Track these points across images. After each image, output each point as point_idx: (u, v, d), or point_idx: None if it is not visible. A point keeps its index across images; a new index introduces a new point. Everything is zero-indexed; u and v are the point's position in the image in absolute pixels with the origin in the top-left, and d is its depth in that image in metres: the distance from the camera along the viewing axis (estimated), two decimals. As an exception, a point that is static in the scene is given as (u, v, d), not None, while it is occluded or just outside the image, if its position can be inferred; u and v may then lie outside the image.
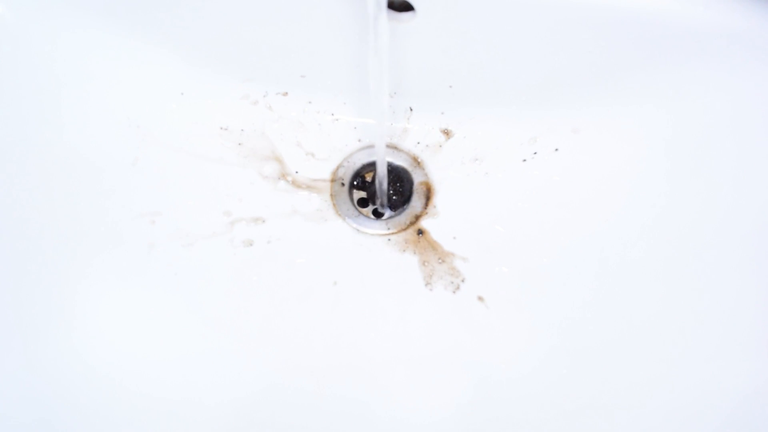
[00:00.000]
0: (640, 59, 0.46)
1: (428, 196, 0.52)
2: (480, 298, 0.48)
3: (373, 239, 0.51)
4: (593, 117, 0.50)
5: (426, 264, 0.50)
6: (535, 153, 0.51)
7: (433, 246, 0.50)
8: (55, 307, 0.45)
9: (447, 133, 0.53)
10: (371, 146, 0.53)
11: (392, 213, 0.52)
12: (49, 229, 0.47)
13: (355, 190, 0.53)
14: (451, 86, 0.51)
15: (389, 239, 0.51)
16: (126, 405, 0.43)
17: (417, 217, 0.51)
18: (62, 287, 0.46)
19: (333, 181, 0.52)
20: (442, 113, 0.53)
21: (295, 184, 0.52)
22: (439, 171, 0.52)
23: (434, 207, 0.51)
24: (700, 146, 0.47)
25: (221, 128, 0.53)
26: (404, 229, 0.51)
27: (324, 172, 0.53)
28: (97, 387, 0.43)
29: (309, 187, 0.52)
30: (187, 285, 0.49)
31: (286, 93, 0.54)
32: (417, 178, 0.52)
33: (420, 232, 0.50)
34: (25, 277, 0.45)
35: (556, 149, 0.51)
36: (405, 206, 0.52)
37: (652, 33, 0.44)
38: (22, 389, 0.41)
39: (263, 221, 0.51)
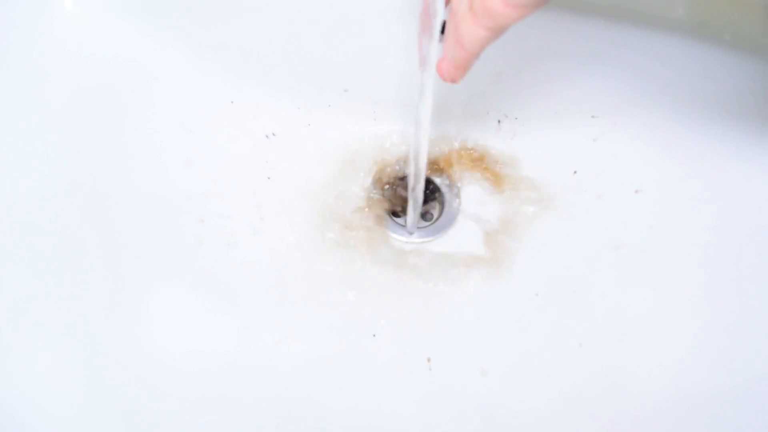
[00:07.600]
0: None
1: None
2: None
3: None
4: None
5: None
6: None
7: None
8: (122, 294, 0.49)
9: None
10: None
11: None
12: (111, 218, 0.51)
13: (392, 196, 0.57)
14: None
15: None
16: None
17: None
18: (124, 275, 0.50)
19: (372, 186, 0.57)
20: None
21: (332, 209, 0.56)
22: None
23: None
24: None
25: (266, 135, 0.57)
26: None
27: (362, 180, 0.57)
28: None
29: (348, 198, 0.56)
30: (229, 278, 0.53)
31: (330, 105, 0.57)
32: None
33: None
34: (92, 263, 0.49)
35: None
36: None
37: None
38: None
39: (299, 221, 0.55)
